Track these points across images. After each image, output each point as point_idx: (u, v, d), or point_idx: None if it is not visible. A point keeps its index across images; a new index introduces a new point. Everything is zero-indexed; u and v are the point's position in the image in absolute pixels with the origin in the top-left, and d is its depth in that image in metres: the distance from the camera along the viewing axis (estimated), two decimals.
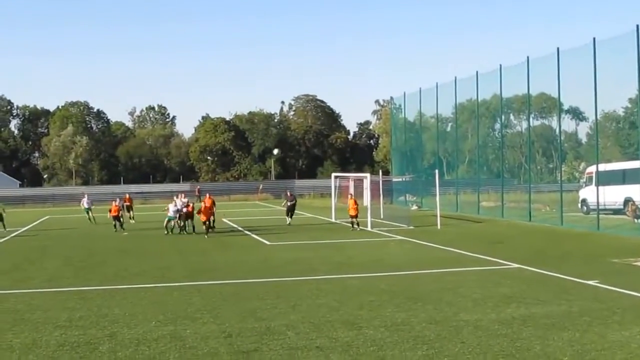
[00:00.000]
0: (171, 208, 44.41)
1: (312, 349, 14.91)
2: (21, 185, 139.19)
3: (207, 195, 46.26)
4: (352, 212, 45.07)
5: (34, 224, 59.55)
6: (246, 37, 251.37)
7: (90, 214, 56.00)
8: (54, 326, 17.93)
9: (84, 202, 57.82)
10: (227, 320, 18.07)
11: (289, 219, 50.52)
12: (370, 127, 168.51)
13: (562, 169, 53.47)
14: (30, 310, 20.15)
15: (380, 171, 63.72)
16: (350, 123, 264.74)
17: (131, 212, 57.07)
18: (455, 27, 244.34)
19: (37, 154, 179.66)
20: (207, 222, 42.86)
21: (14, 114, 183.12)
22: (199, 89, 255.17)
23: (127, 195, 58.86)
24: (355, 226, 44.96)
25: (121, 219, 47.98)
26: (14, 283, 26.04)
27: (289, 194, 53.50)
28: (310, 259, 30.56)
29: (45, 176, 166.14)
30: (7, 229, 48.80)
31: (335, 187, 58.32)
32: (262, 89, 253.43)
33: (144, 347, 15.60)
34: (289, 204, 51.56)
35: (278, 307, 19.50)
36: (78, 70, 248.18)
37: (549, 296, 20.51)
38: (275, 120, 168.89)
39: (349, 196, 47.72)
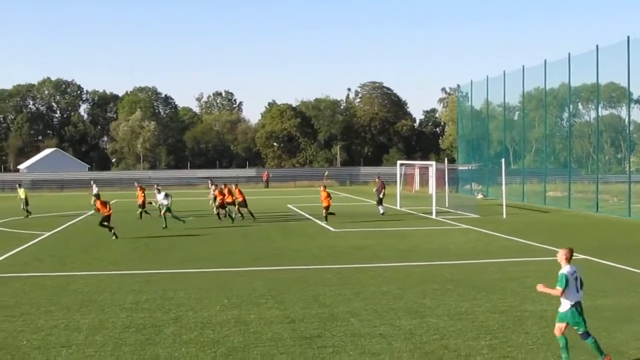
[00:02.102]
0: (158, 197, 42.12)
1: (375, 336, 14.97)
2: (90, 169, 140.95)
3: (234, 186, 46.39)
4: (325, 203, 42.72)
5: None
6: (313, 24, 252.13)
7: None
8: (120, 308, 18.22)
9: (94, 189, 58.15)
10: (291, 305, 18.19)
11: (382, 208, 47.66)
12: (437, 114, 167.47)
13: (631, 159, 52.52)
14: (98, 292, 20.50)
15: (446, 159, 63.26)
16: (417, 110, 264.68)
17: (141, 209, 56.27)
18: (523, 15, 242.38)
19: (105, 138, 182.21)
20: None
21: (84, 99, 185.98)
22: (266, 75, 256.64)
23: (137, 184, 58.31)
24: (324, 222, 41.99)
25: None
26: (82, 265, 26.48)
27: (377, 179, 50.79)
28: (374, 246, 30.57)
29: (113, 160, 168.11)
30: (30, 215, 49.32)
31: (400, 174, 58.10)
32: (328, 76, 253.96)
33: (209, 330, 15.79)
34: (378, 192, 48.62)
35: (342, 294, 19.58)
36: (146, 56, 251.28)
37: (616, 288, 20.30)
38: (342, 107, 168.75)
39: (322, 187, 45.40)
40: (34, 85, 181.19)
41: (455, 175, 71.52)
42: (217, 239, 34.41)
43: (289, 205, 57.34)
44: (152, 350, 14.26)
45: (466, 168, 73.59)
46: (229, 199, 44.79)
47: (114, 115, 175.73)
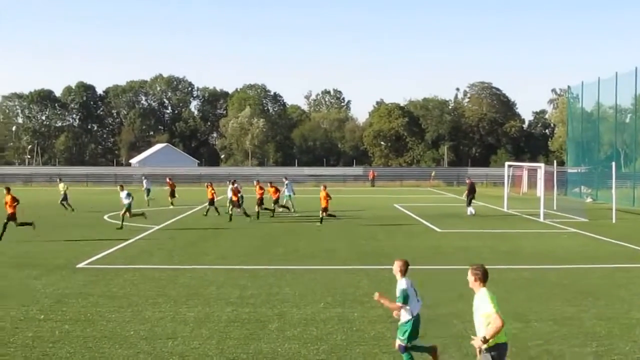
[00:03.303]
0: (121, 194, 40.07)
1: None
2: (199, 164, 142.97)
3: (269, 184, 46.81)
4: (324, 204, 41.12)
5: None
6: (422, 23, 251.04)
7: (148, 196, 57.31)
8: (225, 302, 18.49)
9: (145, 183, 59.57)
10: None
11: (470, 209, 47.62)
12: (546, 116, 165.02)
13: None
14: (204, 286, 20.85)
15: (555, 161, 62.45)
16: (526, 111, 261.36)
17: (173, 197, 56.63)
18: (635, 15, 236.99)
19: (215, 135, 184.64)
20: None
21: (194, 95, 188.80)
22: (375, 75, 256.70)
23: (169, 179, 59.08)
24: (318, 223, 40.51)
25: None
26: (189, 259, 26.94)
27: (467, 180, 51.03)
28: (480, 248, 30.35)
29: (222, 156, 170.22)
30: (72, 210, 49.60)
31: (508, 176, 57.51)
32: (437, 76, 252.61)
33: (312, 327, 15.91)
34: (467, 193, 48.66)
35: (445, 295, 19.50)
36: (256, 53, 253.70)
37: None
38: (450, 107, 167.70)
39: (322, 187, 43.55)
40: (146, 81, 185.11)
41: (564, 178, 70.53)
42: (321, 237, 34.55)
43: (395, 205, 57.26)
44: (255, 345, 14.45)
45: (575, 171, 72.44)
46: (274, 196, 45.71)
47: (224, 112, 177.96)
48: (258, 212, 43.80)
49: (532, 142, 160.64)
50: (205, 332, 15.45)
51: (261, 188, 45.14)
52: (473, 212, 47.10)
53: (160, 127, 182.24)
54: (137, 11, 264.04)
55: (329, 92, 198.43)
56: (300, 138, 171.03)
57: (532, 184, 75.46)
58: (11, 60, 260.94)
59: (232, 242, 32.24)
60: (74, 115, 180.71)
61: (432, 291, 20.01)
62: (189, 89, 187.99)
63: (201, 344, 14.59)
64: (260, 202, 44.58)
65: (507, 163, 60.91)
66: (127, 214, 38.71)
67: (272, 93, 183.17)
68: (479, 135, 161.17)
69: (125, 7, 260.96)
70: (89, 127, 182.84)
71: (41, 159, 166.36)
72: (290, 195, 50.15)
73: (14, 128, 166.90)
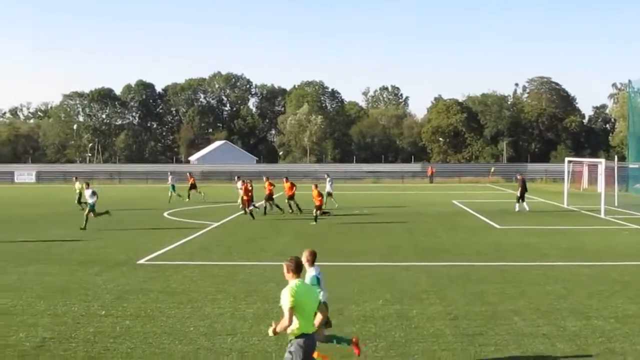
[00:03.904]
0: (86, 192, 39.11)
1: (538, 336, 14.76)
2: (257, 161, 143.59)
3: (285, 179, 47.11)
4: (317, 202, 40.67)
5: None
6: (480, 20, 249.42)
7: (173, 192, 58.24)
8: None
9: (170, 179, 60.13)
10: (454, 302, 18.12)
11: (520, 205, 46.90)
12: (607, 110, 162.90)
13: None
14: (263, 282, 20.95)
15: (616, 157, 61.57)
16: (586, 106, 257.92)
17: (192, 191, 58.81)
18: None
19: (273, 132, 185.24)
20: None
21: (253, 93, 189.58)
22: (433, 71, 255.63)
23: (189, 174, 61.05)
24: (313, 222, 39.48)
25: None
26: (248, 255, 27.10)
27: (519, 176, 50.40)
28: (539, 244, 30.04)
29: (280, 153, 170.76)
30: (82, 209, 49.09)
31: (568, 172, 56.92)
32: (495, 71, 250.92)
33: (371, 324, 15.91)
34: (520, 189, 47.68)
35: (505, 292, 19.37)
36: (314, 50, 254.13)
37: None
38: (509, 103, 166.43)
39: (313, 185, 42.81)
40: (205, 79, 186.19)
41: (625, 174, 69.60)
42: (381, 233, 34.48)
43: (454, 201, 57.02)
44: None
45: (637, 166, 71.49)
46: (288, 192, 45.50)
47: (282, 109, 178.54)
48: (265, 207, 44.50)
49: (593, 138, 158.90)
50: (264, 329, 15.47)
51: (271, 184, 45.33)
52: (527, 208, 46.37)
53: (218, 124, 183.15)
54: (195, 9, 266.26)
55: (386, 89, 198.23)
56: (359, 134, 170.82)
57: (593, 179, 74.70)
58: (71, 59, 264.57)
59: (291, 239, 32.36)
60: (134, 113, 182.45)
61: (493, 288, 19.92)
62: (247, 86, 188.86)
63: (260, 340, 14.66)
64: (269, 197, 44.85)
65: (567, 159, 60.27)
66: (92, 214, 37.44)
67: (330, 90, 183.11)
68: (538, 130, 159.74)
69: (183, 5, 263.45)
70: (149, 125, 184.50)
71: (102, 157, 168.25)
72: (329, 193, 50.27)
73: (75, 126, 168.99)
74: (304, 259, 12.78)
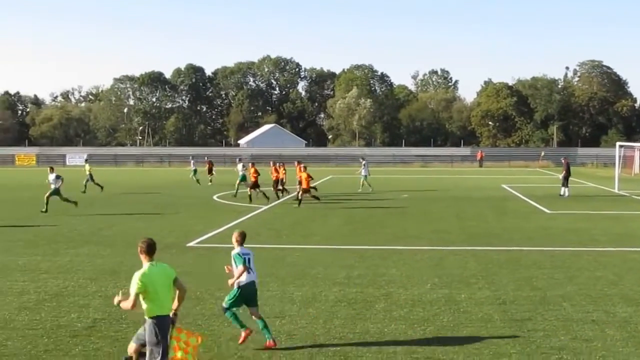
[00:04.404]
0: (50, 177, 38.30)
1: (587, 322, 14.66)
2: (307, 145, 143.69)
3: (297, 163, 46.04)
4: (304, 185, 40.33)
5: (317, 183, 61.28)
6: (529, 4, 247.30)
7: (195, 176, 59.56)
8: (332, 282, 18.59)
9: (192, 164, 62.11)
10: (502, 287, 18.05)
11: (565, 189, 46.10)
12: None
13: None
14: (311, 266, 21.00)
15: None
16: (638, 90, 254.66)
17: (209, 175, 59.80)
18: None
19: (322, 115, 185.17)
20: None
21: (302, 76, 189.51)
22: (482, 54, 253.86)
23: (207, 159, 63.16)
24: (295, 205, 39.42)
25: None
26: (297, 238, 27.19)
27: (563, 160, 49.03)
28: (590, 230, 29.77)
29: (329, 137, 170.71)
30: (84, 191, 49.25)
31: (619, 156, 56.31)
32: (546, 54, 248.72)
33: (419, 308, 15.90)
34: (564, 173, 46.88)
35: (554, 277, 19.25)
36: (363, 34, 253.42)
37: None
38: (559, 86, 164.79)
39: (300, 168, 42.29)
40: (254, 63, 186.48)
41: None
42: (429, 217, 34.45)
43: (503, 185, 56.71)
44: (362, 325, 14.50)
45: None
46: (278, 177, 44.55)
47: (331, 93, 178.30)
48: (277, 193, 44.04)
49: None
50: (312, 312, 15.57)
51: (276, 170, 44.78)
52: (567, 194, 45.64)
53: (268, 108, 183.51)
54: None
55: (436, 72, 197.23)
56: (408, 118, 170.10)
57: None
58: (122, 43, 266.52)
59: (339, 222, 32.38)
60: (184, 97, 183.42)
61: (542, 273, 19.80)
62: (297, 69, 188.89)
63: (308, 323, 14.73)
64: (276, 184, 44.37)
65: (618, 143, 59.66)
66: (56, 196, 37.25)
67: (379, 73, 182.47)
68: (589, 114, 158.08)
69: None
70: (198, 108, 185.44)
71: (152, 140, 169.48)
72: (366, 176, 50.27)
73: (125, 110, 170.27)
74: (233, 239, 13.42)
